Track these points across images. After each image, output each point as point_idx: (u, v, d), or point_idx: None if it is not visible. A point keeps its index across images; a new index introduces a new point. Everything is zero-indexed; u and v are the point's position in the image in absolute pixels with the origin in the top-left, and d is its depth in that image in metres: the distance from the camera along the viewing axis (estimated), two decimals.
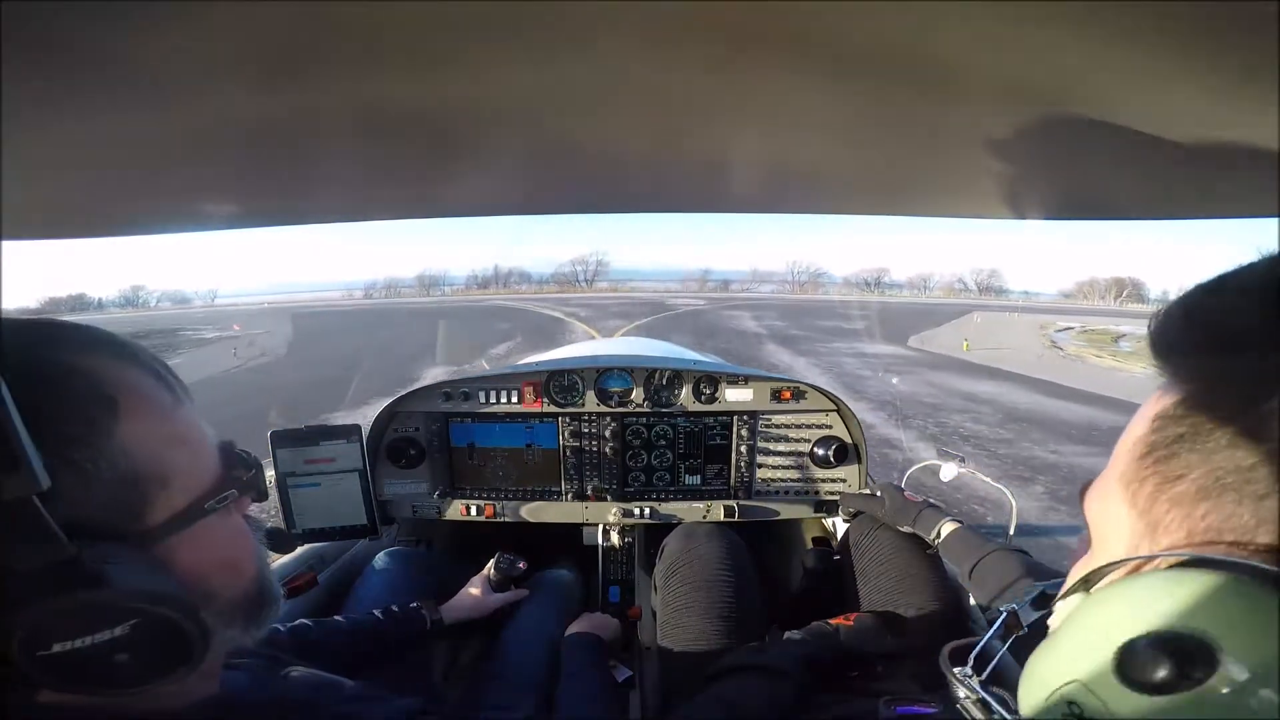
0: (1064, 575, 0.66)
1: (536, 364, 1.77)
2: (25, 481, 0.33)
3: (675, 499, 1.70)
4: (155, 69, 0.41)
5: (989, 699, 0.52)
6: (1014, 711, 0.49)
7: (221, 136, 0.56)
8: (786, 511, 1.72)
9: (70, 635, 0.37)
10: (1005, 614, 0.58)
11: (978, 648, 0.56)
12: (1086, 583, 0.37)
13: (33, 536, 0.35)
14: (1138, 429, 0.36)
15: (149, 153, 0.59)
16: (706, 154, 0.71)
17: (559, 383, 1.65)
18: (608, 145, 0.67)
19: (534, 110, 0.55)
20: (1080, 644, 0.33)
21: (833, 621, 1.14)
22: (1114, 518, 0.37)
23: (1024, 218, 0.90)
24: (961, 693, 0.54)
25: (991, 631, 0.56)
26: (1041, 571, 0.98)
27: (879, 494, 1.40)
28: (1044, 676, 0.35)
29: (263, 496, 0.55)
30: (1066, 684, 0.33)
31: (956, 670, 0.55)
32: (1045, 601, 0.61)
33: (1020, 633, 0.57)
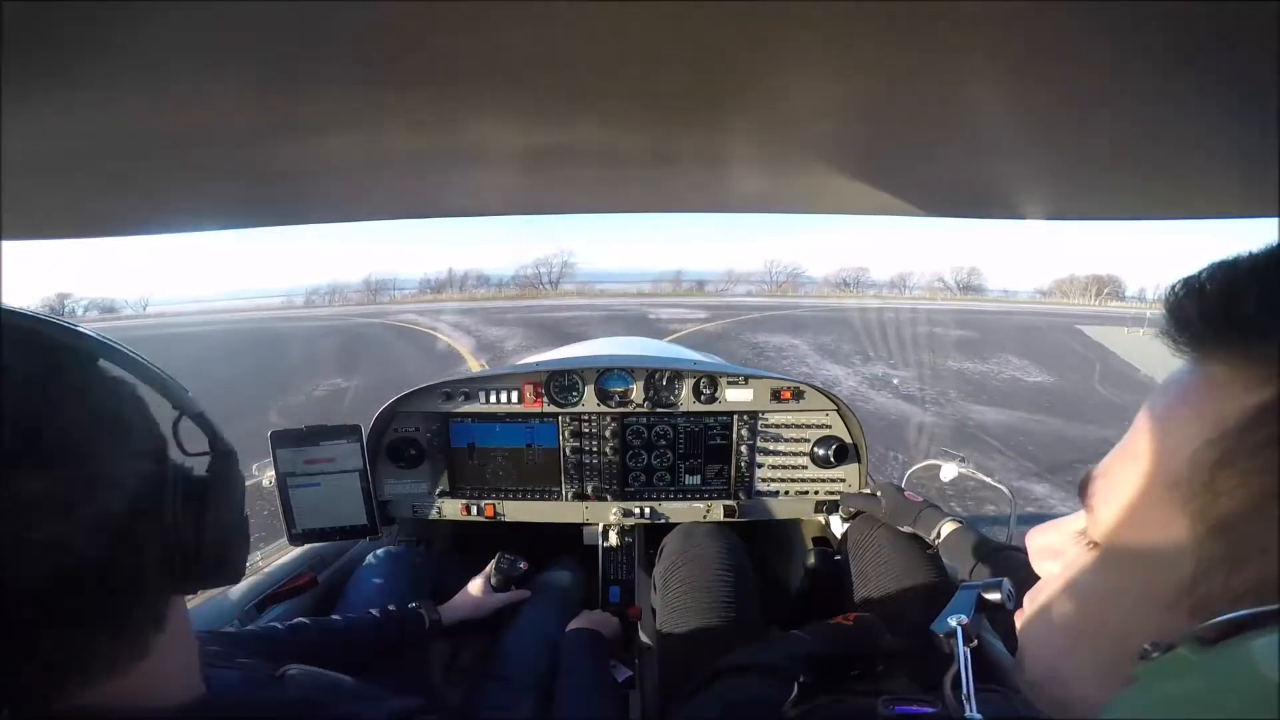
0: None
1: (537, 364, 1.77)
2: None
3: (675, 499, 1.70)
4: (124, 65, 0.41)
5: None
6: None
7: (196, 136, 0.56)
8: (786, 511, 1.72)
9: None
10: (960, 630, 0.56)
11: (965, 677, 0.53)
12: (1201, 636, 0.25)
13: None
14: (1201, 427, 0.29)
15: (119, 151, 0.59)
16: (701, 153, 0.71)
17: (559, 382, 1.65)
18: (592, 144, 0.67)
19: (510, 108, 0.54)
20: (1249, 713, 0.22)
21: (832, 621, 1.14)
22: (1164, 536, 0.30)
23: (1023, 218, 0.90)
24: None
25: (961, 655, 0.55)
26: None
27: (879, 494, 1.40)
28: None
29: None
30: None
31: (971, 717, 0.52)
32: (986, 606, 0.60)
33: (973, 644, 0.55)
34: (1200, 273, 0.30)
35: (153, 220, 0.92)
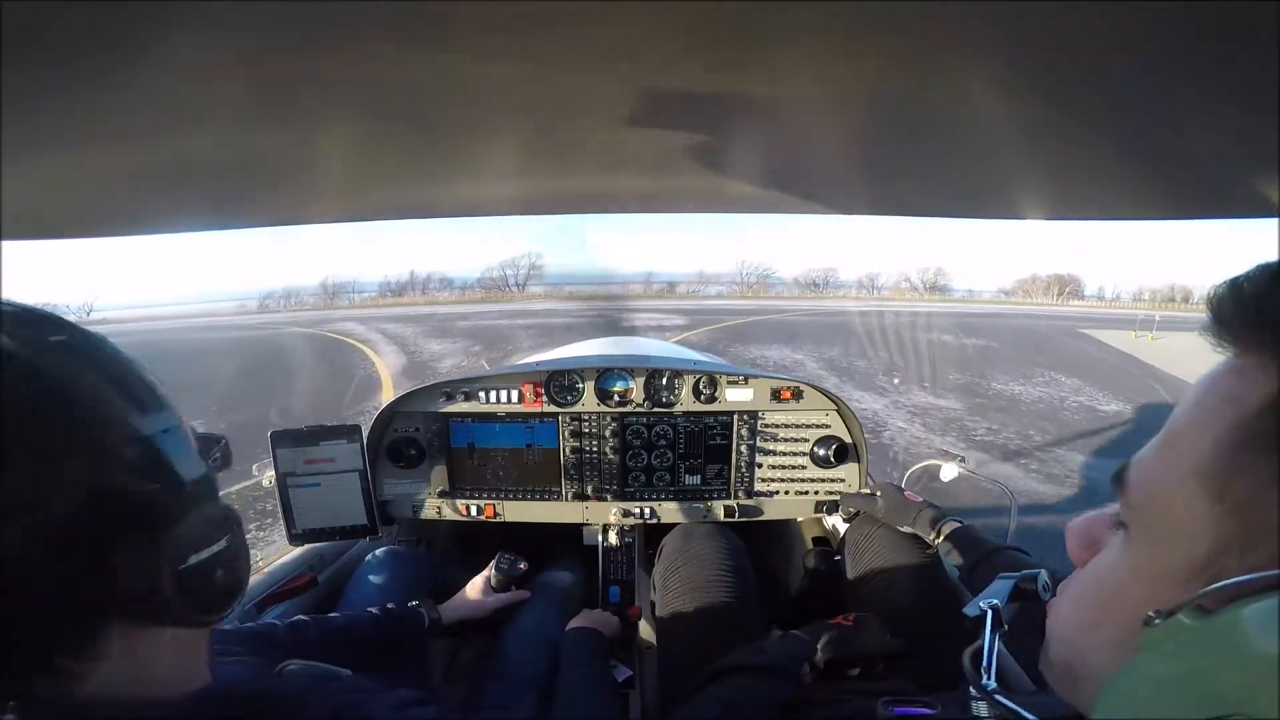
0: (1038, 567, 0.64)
1: (537, 363, 1.77)
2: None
3: (675, 499, 1.70)
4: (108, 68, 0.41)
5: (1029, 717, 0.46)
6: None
7: (191, 136, 0.56)
8: (786, 511, 1.72)
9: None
10: (990, 612, 0.57)
11: (988, 654, 0.54)
12: (1201, 604, 0.27)
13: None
14: (1226, 412, 0.30)
15: (117, 152, 0.58)
16: (698, 154, 0.71)
17: (559, 382, 1.66)
18: (588, 144, 0.66)
19: (482, 109, 0.54)
20: (1237, 678, 0.23)
21: (833, 621, 1.14)
22: (1186, 516, 0.31)
23: (1023, 218, 0.90)
24: (985, 710, 0.52)
25: (988, 634, 0.56)
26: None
27: (878, 494, 1.40)
28: (1165, 707, 0.26)
29: None
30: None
31: (986, 684, 0.53)
32: (1021, 595, 0.60)
33: (1003, 630, 0.56)
34: (1243, 273, 0.32)
35: (150, 221, 0.92)
